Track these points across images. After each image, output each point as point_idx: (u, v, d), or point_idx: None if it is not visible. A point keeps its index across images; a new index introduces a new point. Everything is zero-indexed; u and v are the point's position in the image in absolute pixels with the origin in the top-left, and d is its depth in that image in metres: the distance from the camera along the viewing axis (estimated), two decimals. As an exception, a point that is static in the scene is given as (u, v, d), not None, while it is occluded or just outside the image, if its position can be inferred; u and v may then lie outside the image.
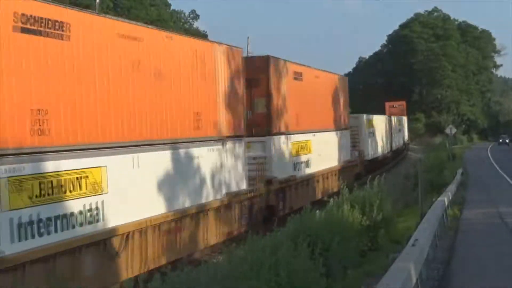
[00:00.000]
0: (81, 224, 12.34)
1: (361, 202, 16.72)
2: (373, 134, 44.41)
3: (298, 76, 26.40)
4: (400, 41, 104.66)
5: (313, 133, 28.00)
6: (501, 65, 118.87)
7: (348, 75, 76.27)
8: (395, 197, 22.97)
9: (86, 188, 12.60)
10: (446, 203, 21.12)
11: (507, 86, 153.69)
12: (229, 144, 19.30)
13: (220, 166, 18.63)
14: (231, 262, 10.46)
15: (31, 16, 11.45)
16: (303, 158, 26.15)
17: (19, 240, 10.77)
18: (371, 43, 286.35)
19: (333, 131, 32.16)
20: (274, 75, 23.62)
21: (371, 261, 14.91)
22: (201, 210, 17.15)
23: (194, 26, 71.85)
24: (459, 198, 26.55)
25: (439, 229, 16.43)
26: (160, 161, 15.38)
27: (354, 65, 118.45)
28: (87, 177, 12.66)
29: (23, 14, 11.27)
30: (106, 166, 13.21)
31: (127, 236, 13.72)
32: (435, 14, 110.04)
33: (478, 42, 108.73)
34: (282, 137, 23.84)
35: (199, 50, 17.91)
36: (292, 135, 25.24)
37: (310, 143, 27.46)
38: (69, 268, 12.00)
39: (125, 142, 14.12)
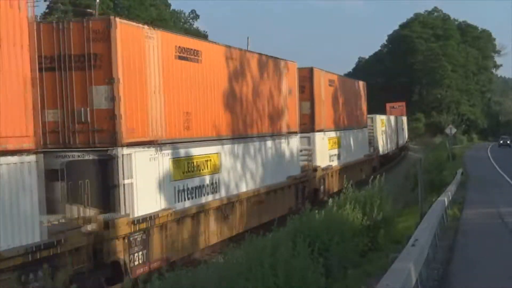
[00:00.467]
0: (208, 194, 18.01)
1: (361, 202, 16.71)
2: (384, 132, 50.24)
3: (331, 83, 32.61)
4: (400, 41, 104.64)
5: (343, 131, 34.51)
6: (501, 65, 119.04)
7: (348, 75, 76.24)
8: (395, 197, 22.97)
9: (210, 168, 18.26)
10: (446, 203, 21.11)
11: (507, 86, 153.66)
12: (290, 138, 25.40)
13: (284, 155, 24.71)
14: (230, 262, 10.46)
15: (183, 47, 17.24)
16: (336, 151, 31.67)
17: (178, 201, 16.44)
18: (371, 43, 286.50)
19: (357, 129, 38.89)
20: (315, 82, 29.24)
21: (371, 261, 14.89)
22: (276, 188, 23.28)
23: (194, 26, 71.86)
24: (459, 198, 26.54)
25: (439, 229, 16.42)
26: (247, 150, 21.21)
27: (354, 65, 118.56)
28: (210, 160, 18.37)
29: (179, 47, 17.04)
30: (220, 153, 18.92)
31: (233, 204, 19.42)
32: (435, 14, 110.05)
33: (478, 42, 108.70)
34: (321, 134, 29.65)
35: (291, 69, 25.97)
36: (327, 132, 31.34)
37: (340, 139, 33.82)
38: (203, 224, 17.54)
39: (229, 136, 20.01)
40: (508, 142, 79.96)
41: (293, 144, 25.66)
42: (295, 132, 26.16)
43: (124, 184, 14.11)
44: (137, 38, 15.19)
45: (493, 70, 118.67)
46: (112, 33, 14.12)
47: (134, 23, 16.01)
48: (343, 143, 34.03)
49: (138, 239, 14.36)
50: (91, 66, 14.20)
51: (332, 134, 32.08)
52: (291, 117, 25.64)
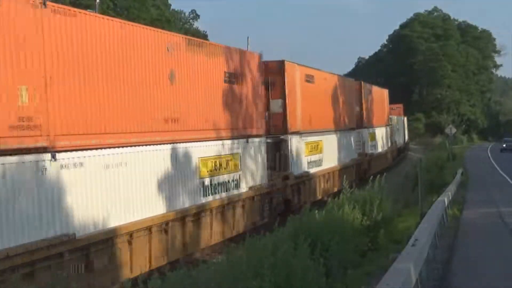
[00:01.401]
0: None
1: (361, 202, 16.70)
2: (398, 129, 60.21)
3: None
4: (400, 41, 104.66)
5: (377, 128, 44.61)
6: (501, 65, 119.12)
7: (348, 75, 76.23)
8: (395, 197, 22.97)
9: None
10: (446, 203, 21.10)
11: (507, 86, 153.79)
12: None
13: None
14: (230, 262, 10.45)
15: (307, 74, 27.88)
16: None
17: (308, 168, 26.70)
18: (371, 43, 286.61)
19: (386, 126, 49.87)
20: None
21: (371, 261, 14.89)
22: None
23: (194, 26, 71.79)
24: (459, 198, 26.54)
25: (439, 229, 16.41)
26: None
27: (354, 65, 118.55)
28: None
29: (306, 74, 27.71)
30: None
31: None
32: (435, 14, 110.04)
33: (478, 42, 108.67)
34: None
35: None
36: (371, 129, 42.02)
37: (377, 134, 44.41)
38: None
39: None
40: None
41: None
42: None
43: (287, 154, 24.43)
44: (292, 71, 25.63)
45: (493, 70, 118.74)
46: (282, 70, 24.54)
47: (292, 63, 25.85)
48: (378, 137, 35.35)
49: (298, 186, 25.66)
50: (269, 88, 24.03)
51: (371, 130, 34.16)
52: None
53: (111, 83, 13.93)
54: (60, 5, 12.91)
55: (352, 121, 36.79)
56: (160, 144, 15.63)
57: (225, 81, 19.65)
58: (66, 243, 11.99)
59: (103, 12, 41.56)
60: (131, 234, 14.11)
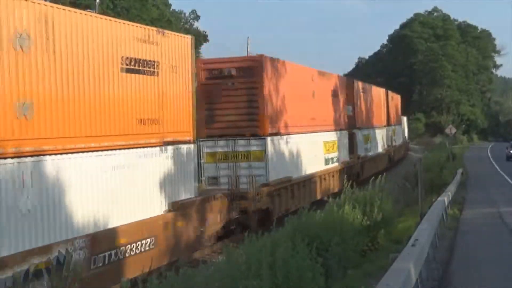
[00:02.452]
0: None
1: (361, 202, 16.68)
2: (404, 128, 67.83)
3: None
4: (400, 41, 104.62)
5: (391, 126, 51.15)
6: (501, 65, 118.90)
7: (348, 75, 76.23)
8: (395, 197, 22.96)
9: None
10: (446, 203, 21.10)
11: (507, 86, 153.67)
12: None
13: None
14: (230, 262, 10.44)
15: (364, 87, 40.71)
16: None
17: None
18: (371, 43, 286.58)
19: (399, 125, 58.62)
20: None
21: (371, 261, 14.87)
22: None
23: (194, 26, 71.73)
24: (459, 198, 26.54)
25: (439, 229, 16.41)
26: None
27: (354, 65, 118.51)
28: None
29: (363, 87, 40.75)
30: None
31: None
32: (435, 14, 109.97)
33: (478, 42, 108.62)
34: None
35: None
36: (381, 128, 46.19)
37: (393, 131, 52.48)
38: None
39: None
40: None
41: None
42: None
43: (357, 143, 35.40)
44: (351, 85, 36.19)
45: (493, 70, 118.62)
46: (353, 85, 36.55)
47: (357, 80, 37.88)
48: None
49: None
50: (339, 96, 32.62)
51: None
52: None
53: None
54: None
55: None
56: (309, 133, 26.74)
57: (331, 95, 31.11)
58: None
59: (103, 12, 41.52)
60: (319, 176, 27.58)
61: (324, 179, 28.26)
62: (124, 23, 14.86)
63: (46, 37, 11.92)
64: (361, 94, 39.24)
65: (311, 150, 27.00)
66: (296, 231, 12.35)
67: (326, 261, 11.86)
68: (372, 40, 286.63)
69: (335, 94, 31.80)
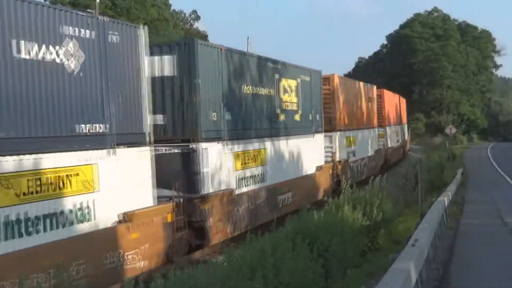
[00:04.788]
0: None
1: (361, 202, 16.70)
2: (394, 131, 71.89)
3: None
4: (400, 41, 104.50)
5: (399, 125, 56.81)
6: (501, 65, 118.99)
7: (348, 75, 76.27)
8: (395, 197, 22.97)
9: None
10: (446, 203, 21.10)
11: (507, 86, 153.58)
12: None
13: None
14: (230, 262, 10.45)
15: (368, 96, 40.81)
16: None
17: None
18: (371, 43, 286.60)
19: (373, 128, 58.18)
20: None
21: (371, 261, 14.89)
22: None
23: (194, 26, 71.79)
24: (459, 198, 26.54)
25: (439, 229, 16.41)
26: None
27: (354, 65, 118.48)
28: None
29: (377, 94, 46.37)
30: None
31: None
32: (435, 14, 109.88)
33: (478, 42, 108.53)
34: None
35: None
36: (392, 126, 51.24)
37: (403, 129, 60.36)
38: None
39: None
40: None
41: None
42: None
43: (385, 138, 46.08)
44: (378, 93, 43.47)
45: (493, 70, 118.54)
46: (381, 95, 45.27)
47: (387, 91, 47.58)
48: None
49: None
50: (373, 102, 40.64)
51: (396, 126, 43.59)
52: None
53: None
54: None
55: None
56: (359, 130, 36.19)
57: (365, 101, 38.10)
58: None
59: (103, 12, 41.51)
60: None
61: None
62: None
63: None
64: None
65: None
66: (297, 232, 12.37)
67: (326, 262, 11.88)
68: (372, 40, 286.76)
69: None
